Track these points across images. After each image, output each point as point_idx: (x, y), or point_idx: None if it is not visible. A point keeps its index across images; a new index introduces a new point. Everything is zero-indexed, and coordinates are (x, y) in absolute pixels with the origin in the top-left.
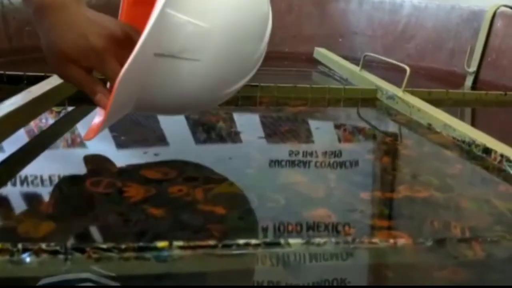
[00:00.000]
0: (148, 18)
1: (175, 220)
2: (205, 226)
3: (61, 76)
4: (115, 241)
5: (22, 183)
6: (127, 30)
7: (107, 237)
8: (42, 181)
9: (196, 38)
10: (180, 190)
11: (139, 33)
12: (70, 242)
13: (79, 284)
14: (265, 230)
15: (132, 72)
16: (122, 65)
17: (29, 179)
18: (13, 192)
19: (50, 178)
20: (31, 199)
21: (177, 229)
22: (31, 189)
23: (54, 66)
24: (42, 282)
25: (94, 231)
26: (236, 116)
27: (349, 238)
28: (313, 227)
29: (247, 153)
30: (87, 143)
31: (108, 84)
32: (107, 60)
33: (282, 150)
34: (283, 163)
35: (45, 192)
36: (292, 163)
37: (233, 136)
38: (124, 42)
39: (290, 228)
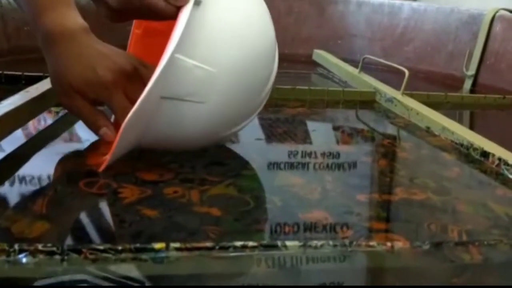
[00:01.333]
0: (156, 50)
1: (170, 222)
2: (201, 227)
3: (64, 106)
4: (109, 242)
5: (19, 183)
6: (136, 64)
7: (100, 237)
8: (39, 181)
9: (203, 82)
10: (175, 192)
11: (147, 67)
12: (66, 242)
13: (76, 285)
14: (261, 232)
15: (138, 115)
16: (128, 98)
17: (26, 179)
18: (10, 192)
19: (46, 178)
20: (28, 199)
21: (172, 230)
22: (28, 189)
23: (59, 95)
24: (39, 282)
25: (88, 232)
26: None
27: (347, 241)
28: (310, 229)
29: (245, 155)
30: (84, 143)
31: (112, 117)
32: (114, 94)
33: (280, 152)
34: (281, 165)
35: (41, 193)
36: (290, 165)
37: (231, 137)
38: (132, 76)
39: (286, 230)
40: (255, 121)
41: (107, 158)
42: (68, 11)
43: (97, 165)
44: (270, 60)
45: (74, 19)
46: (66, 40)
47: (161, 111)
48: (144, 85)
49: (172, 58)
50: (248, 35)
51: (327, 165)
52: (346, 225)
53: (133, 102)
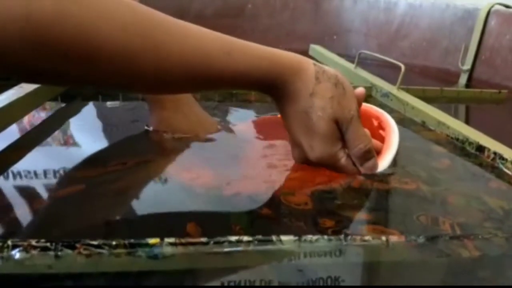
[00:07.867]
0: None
1: (145, 216)
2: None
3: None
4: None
5: (14, 178)
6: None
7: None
8: (33, 176)
9: None
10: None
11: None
12: (58, 237)
13: (69, 280)
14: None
15: None
16: None
17: (21, 174)
18: (4, 187)
19: (41, 173)
20: (22, 194)
21: (149, 225)
22: (22, 184)
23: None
24: (32, 278)
25: (59, 223)
26: (232, 111)
27: (342, 236)
28: (287, 215)
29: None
30: (80, 140)
31: None
32: None
33: (275, 145)
34: (275, 156)
35: (35, 188)
36: (286, 156)
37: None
38: None
39: (263, 212)
40: (252, 117)
41: None
42: None
43: None
44: None
45: None
46: (176, 100)
47: None
48: None
49: None
50: None
51: None
52: (325, 212)
53: None
